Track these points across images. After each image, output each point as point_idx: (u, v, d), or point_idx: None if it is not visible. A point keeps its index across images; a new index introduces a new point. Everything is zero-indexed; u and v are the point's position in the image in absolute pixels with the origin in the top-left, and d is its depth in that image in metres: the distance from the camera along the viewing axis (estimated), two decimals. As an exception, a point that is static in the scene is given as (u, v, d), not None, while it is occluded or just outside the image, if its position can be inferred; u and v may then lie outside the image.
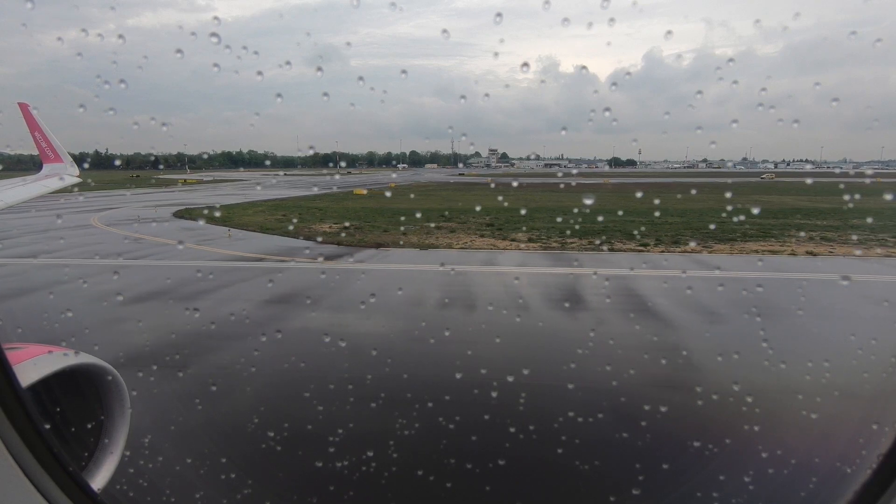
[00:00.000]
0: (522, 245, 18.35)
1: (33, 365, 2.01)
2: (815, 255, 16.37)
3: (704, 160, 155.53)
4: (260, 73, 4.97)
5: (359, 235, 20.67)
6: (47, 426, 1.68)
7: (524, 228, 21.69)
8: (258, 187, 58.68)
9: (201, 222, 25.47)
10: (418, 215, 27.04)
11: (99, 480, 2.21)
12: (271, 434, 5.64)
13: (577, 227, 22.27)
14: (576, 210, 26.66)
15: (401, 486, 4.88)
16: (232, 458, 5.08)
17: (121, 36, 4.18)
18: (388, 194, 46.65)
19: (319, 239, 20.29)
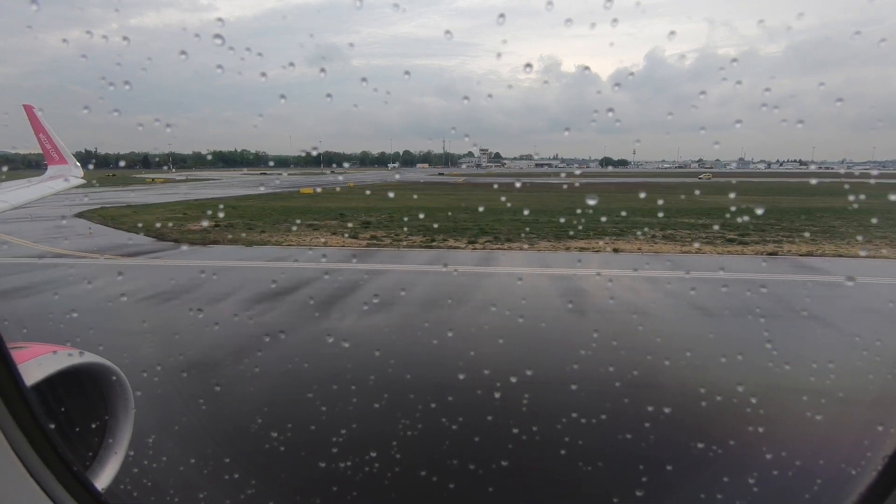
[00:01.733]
0: (352, 243, 19.01)
1: (38, 364, 2.02)
2: (618, 251, 17.16)
3: (700, 160, 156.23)
4: (264, 74, 4.98)
5: (213, 234, 21.19)
6: (52, 426, 1.68)
7: (388, 227, 22.36)
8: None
9: (88, 221, 25.86)
10: (313, 214, 27.64)
11: (103, 480, 2.22)
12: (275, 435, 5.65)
13: (445, 224, 23.00)
14: (472, 208, 27.69)
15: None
16: (235, 459, 5.10)
17: (126, 37, 4.20)
18: (317, 194, 46.00)
19: (171, 237, 20.61)
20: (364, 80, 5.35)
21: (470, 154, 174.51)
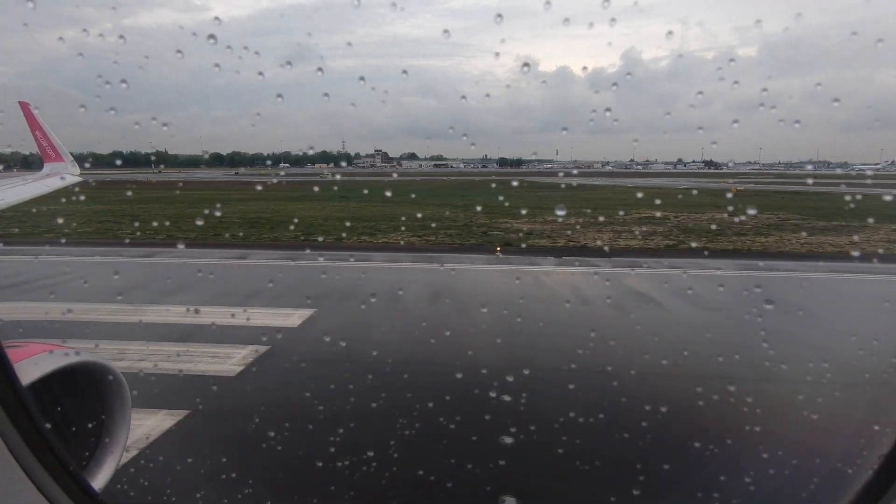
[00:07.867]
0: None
1: (34, 363, 2.00)
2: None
3: (632, 160, 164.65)
4: (261, 73, 5.00)
5: None
6: (48, 425, 1.67)
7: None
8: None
9: None
10: None
11: (100, 480, 2.21)
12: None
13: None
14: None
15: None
16: (232, 458, 5.08)
17: (122, 36, 4.19)
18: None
19: None
20: (362, 78, 5.36)
21: (372, 154, 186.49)
